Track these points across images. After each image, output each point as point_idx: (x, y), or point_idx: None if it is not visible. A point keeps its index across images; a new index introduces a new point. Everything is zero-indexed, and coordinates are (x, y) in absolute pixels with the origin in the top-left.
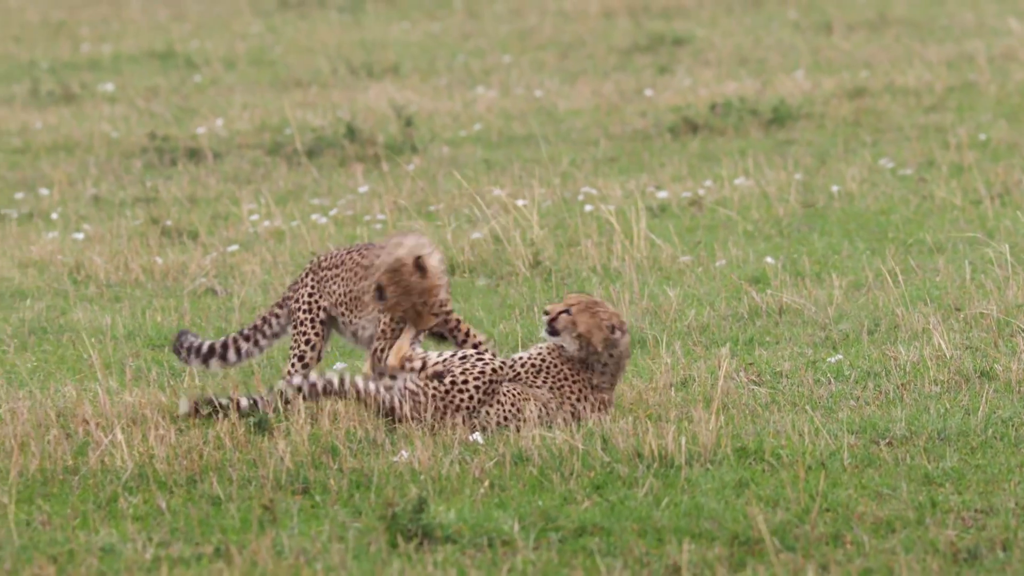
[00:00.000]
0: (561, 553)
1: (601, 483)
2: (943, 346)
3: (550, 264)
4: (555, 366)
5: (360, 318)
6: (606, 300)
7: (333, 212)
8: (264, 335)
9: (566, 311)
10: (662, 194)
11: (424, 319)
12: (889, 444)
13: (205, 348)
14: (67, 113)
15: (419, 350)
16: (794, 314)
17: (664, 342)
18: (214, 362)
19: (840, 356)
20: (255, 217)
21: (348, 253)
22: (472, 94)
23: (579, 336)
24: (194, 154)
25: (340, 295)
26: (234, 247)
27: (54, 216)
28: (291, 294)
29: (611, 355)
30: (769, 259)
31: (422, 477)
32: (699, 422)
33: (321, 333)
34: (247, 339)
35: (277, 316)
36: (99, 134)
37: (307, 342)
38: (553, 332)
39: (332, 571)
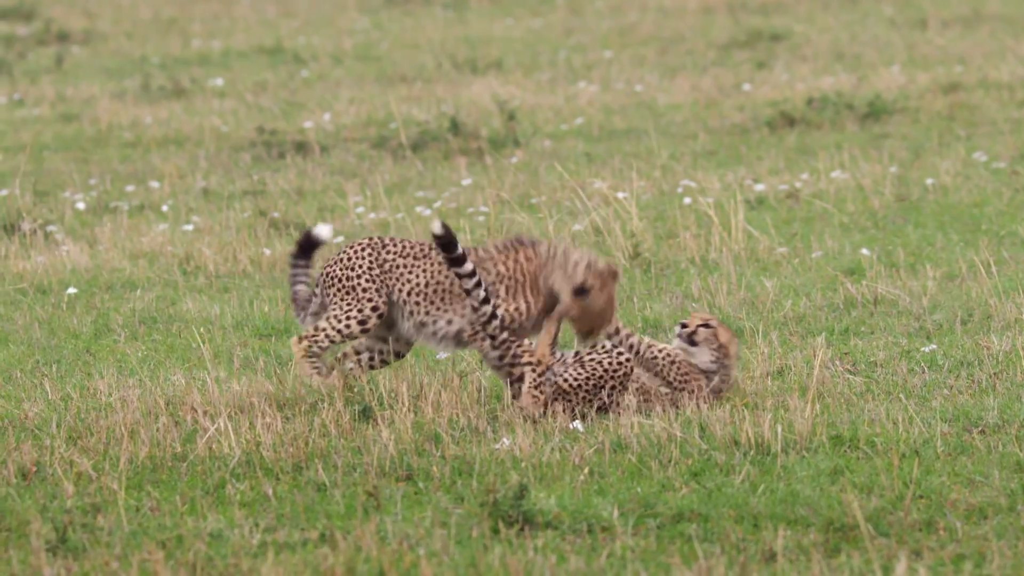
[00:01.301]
0: (659, 539)
1: (698, 470)
2: None
3: (649, 255)
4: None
5: (445, 312)
6: (703, 290)
7: (437, 204)
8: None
9: (706, 325)
10: (759, 187)
11: (596, 334)
12: (982, 432)
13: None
14: (177, 107)
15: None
16: (889, 304)
17: (761, 332)
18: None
19: (934, 346)
20: (361, 209)
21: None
22: (574, 89)
23: (720, 347)
24: (301, 147)
25: (417, 286)
26: (340, 239)
27: (164, 208)
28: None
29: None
30: (864, 251)
31: (523, 464)
32: (795, 410)
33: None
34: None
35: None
36: (209, 128)
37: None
38: (692, 343)
39: (434, 556)
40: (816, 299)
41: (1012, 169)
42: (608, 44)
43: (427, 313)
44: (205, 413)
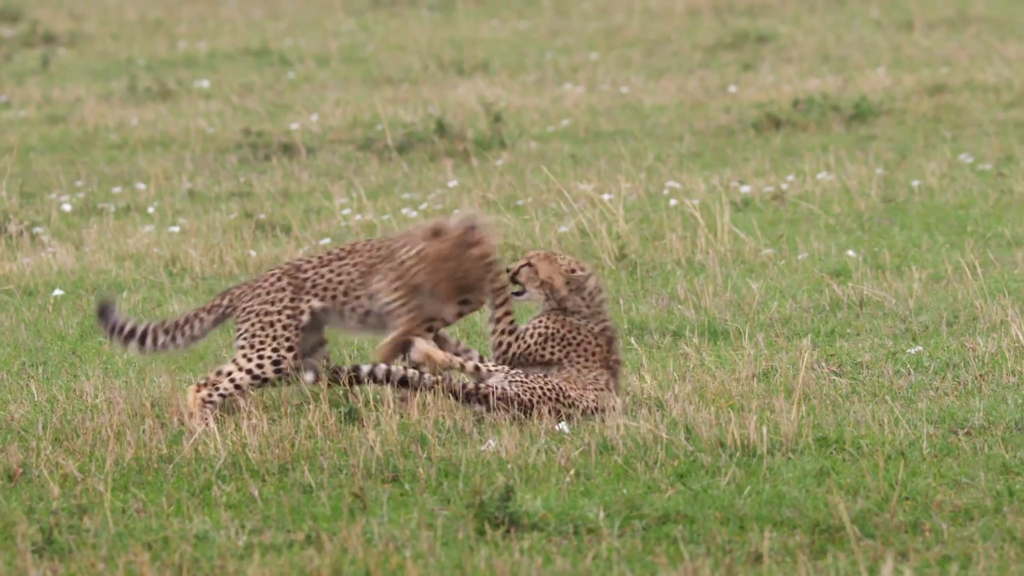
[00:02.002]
0: (645, 540)
1: (684, 472)
2: (1021, 337)
3: (635, 257)
4: (557, 331)
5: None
6: (689, 292)
7: (423, 206)
8: (183, 334)
9: (527, 264)
10: (745, 188)
11: (473, 291)
12: (967, 434)
13: (127, 328)
14: (164, 109)
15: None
16: (874, 306)
17: (747, 334)
18: (132, 344)
19: (920, 347)
20: (347, 211)
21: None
22: (560, 91)
23: (541, 284)
24: (288, 149)
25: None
26: (326, 240)
27: (150, 210)
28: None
29: (582, 297)
30: (850, 252)
31: (509, 466)
32: (781, 412)
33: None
34: (166, 332)
35: (202, 321)
36: (195, 130)
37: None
38: (519, 292)
39: (421, 558)
40: (802, 301)
41: (998, 171)
42: (594, 46)
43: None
44: (191, 415)
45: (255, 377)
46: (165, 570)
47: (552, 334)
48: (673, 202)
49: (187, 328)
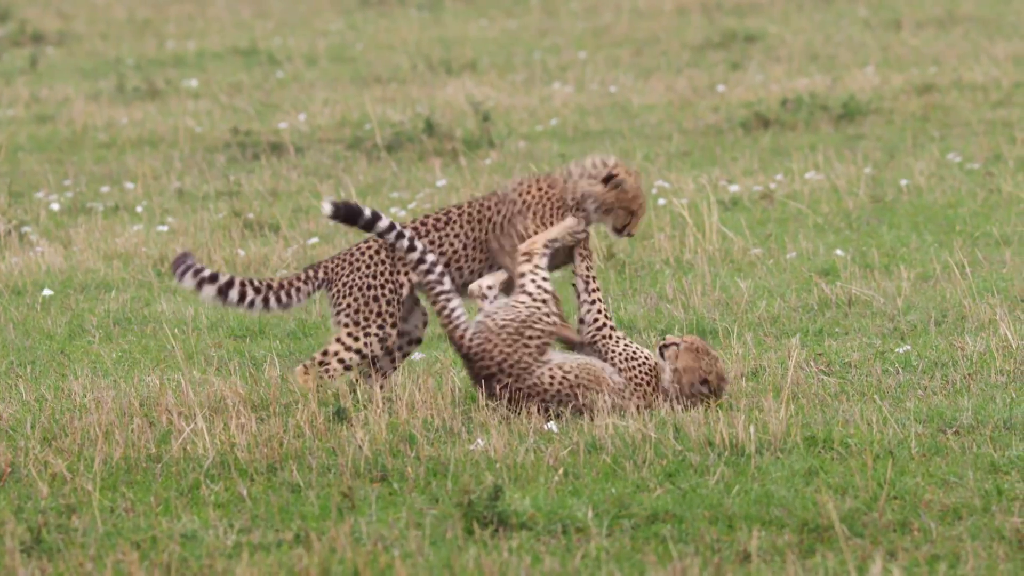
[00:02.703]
0: (634, 539)
1: (673, 471)
2: (1009, 337)
3: (624, 256)
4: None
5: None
6: (678, 291)
7: (412, 205)
8: (278, 301)
9: (676, 344)
10: (734, 188)
11: (634, 224)
12: (956, 433)
13: (206, 274)
14: (152, 109)
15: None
16: (863, 305)
17: (735, 333)
18: (208, 289)
19: (908, 347)
20: None
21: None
22: (548, 90)
23: (676, 370)
24: (276, 148)
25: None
26: (315, 240)
27: (139, 209)
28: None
29: (691, 396)
30: (839, 251)
31: (498, 465)
32: (769, 411)
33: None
34: (257, 291)
35: (298, 291)
36: (183, 129)
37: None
38: (662, 356)
39: (409, 557)
40: (790, 300)
41: (986, 170)
42: (582, 45)
43: (471, 272)
44: (180, 414)
45: (363, 356)
46: (153, 569)
47: (641, 362)
48: (661, 201)
49: (282, 294)
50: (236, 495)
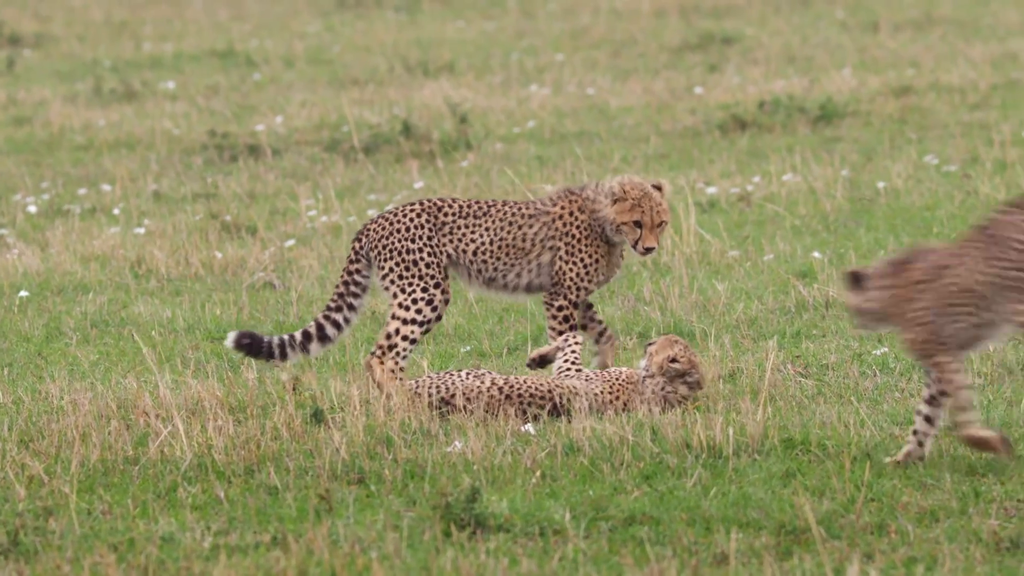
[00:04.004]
0: (611, 542)
1: (650, 473)
2: None
3: None
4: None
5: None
6: (655, 294)
7: (389, 207)
8: (356, 300)
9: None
10: (711, 190)
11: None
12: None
13: (299, 337)
14: (129, 111)
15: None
16: (840, 307)
17: (713, 335)
18: (313, 347)
19: (885, 349)
20: (313, 212)
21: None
22: (526, 92)
23: (650, 355)
24: (253, 151)
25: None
26: (292, 242)
27: (116, 211)
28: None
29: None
30: (816, 254)
31: (475, 467)
32: (747, 413)
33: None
34: (337, 309)
35: (358, 271)
36: (160, 131)
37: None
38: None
39: (387, 559)
40: (768, 302)
41: (963, 172)
42: (560, 47)
43: (495, 270)
44: (157, 416)
45: (421, 324)
46: (131, 572)
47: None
48: None
49: (348, 296)
50: (213, 497)
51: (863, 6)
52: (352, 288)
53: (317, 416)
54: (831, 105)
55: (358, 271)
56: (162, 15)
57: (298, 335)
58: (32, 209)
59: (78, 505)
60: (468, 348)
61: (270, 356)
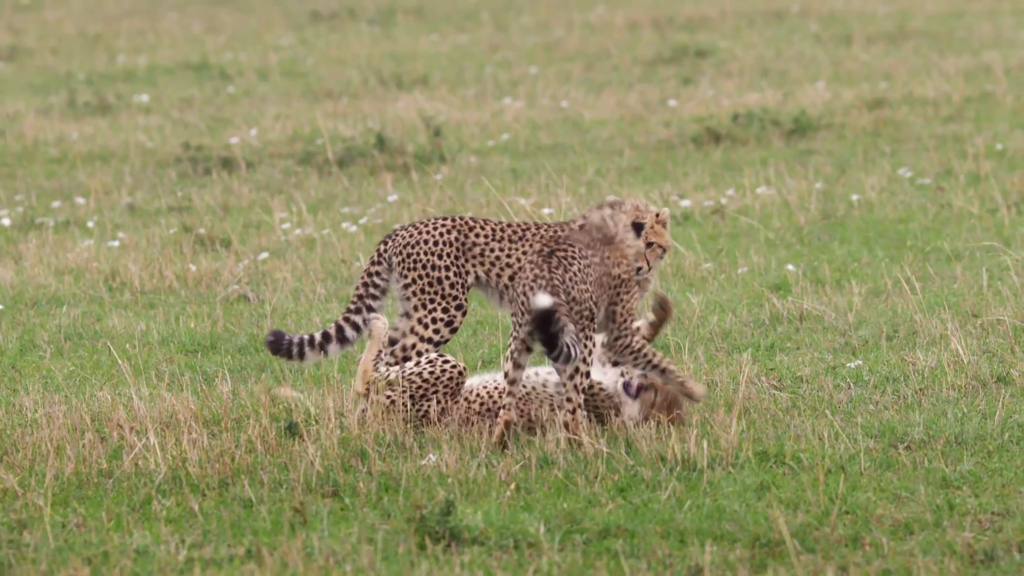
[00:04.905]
0: (586, 555)
1: (625, 486)
2: (960, 352)
3: None
4: None
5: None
6: None
7: (363, 220)
8: (374, 298)
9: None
10: (685, 203)
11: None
12: (907, 448)
13: (319, 337)
14: (103, 123)
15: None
16: (814, 320)
17: (687, 348)
18: (332, 348)
19: (859, 362)
20: (287, 225)
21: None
22: (499, 105)
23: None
24: (227, 163)
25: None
26: (266, 255)
27: (90, 224)
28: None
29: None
30: (790, 266)
31: (449, 480)
32: (721, 426)
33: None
34: (356, 311)
35: (378, 273)
36: (134, 144)
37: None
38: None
39: (361, 572)
40: (742, 315)
41: (937, 185)
42: (534, 60)
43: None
44: (131, 429)
45: (437, 344)
46: None
47: None
48: None
49: (367, 298)
50: (188, 510)
51: (837, 19)
52: (371, 290)
53: (291, 429)
54: (805, 118)
55: (378, 274)
56: (136, 28)
57: (318, 336)
58: (6, 222)
59: (52, 518)
60: None
61: (289, 355)
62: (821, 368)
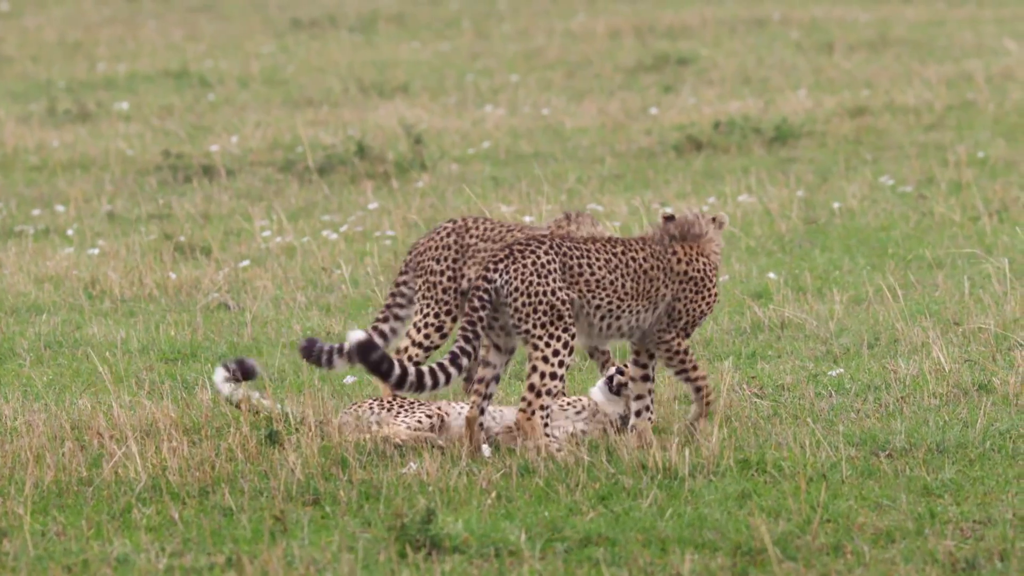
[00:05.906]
0: (567, 563)
1: (606, 494)
2: (942, 360)
3: None
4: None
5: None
6: None
7: (343, 228)
8: (401, 307)
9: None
10: (667, 211)
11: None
12: (889, 456)
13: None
14: (83, 131)
15: None
16: (796, 328)
17: None
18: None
19: (841, 370)
20: (267, 233)
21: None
22: (480, 113)
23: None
24: (207, 171)
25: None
26: (246, 263)
27: (70, 232)
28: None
29: None
30: (771, 274)
31: (430, 488)
32: (703, 434)
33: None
34: (384, 320)
35: (405, 283)
36: (114, 152)
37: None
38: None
39: None
40: (723, 323)
41: (918, 193)
42: (515, 68)
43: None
44: (111, 437)
45: (427, 349)
46: None
47: None
48: None
49: (394, 307)
50: (168, 519)
51: (818, 27)
52: (399, 299)
53: (272, 437)
54: (786, 126)
55: (405, 282)
56: (116, 36)
57: (346, 344)
58: None
59: (32, 526)
60: None
61: (319, 362)
62: (802, 376)
